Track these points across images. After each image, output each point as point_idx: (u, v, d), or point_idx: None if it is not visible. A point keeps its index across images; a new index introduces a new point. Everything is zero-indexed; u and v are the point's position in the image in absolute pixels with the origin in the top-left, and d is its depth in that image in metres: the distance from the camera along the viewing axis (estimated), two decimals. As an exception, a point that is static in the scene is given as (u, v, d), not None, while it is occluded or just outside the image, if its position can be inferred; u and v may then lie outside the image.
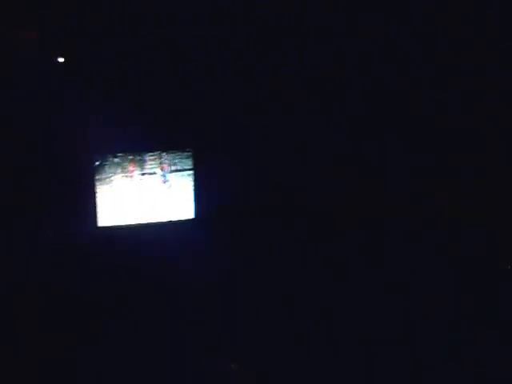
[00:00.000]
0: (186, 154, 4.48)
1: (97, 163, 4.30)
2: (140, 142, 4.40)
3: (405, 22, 4.07)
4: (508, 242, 4.03)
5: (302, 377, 3.71)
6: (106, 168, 4.34)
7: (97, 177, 4.34)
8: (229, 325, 4.15)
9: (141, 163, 4.41)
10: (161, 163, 4.44)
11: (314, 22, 4.16)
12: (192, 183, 4.54)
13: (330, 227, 4.55)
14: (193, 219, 4.57)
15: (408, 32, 4.07)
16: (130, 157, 4.37)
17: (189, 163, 4.50)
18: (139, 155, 4.39)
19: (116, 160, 4.34)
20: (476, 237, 4.08)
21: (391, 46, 4.15)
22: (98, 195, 4.37)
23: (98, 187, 4.35)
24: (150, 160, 4.42)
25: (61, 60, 4.07)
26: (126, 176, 4.38)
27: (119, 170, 4.37)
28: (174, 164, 4.48)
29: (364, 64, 4.22)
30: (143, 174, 4.42)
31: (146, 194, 4.47)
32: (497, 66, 3.99)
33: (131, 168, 4.38)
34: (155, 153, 4.42)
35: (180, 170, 4.50)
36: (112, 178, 4.36)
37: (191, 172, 4.52)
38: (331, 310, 4.05)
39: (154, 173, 4.45)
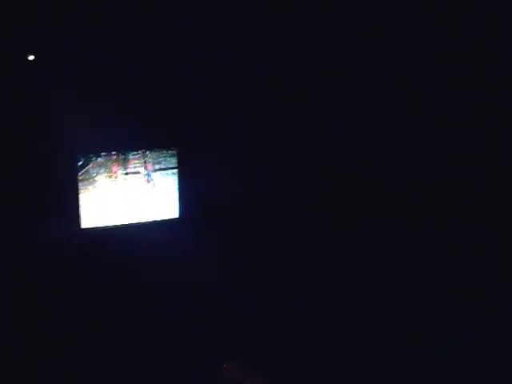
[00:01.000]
0: (170, 152, 4.37)
1: (80, 163, 4.14)
2: (123, 140, 4.27)
3: (405, 22, 4.05)
4: (508, 241, 4.03)
5: (302, 377, 3.70)
6: (89, 168, 4.20)
7: (80, 177, 4.18)
8: (216, 324, 4.14)
9: (124, 162, 4.28)
10: (145, 162, 4.32)
11: (313, 22, 4.11)
12: (176, 182, 4.44)
13: (320, 225, 4.53)
14: (177, 218, 4.47)
15: (408, 32, 4.05)
16: (114, 156, 4.23)
17: (173, 162, 4.40)
18: (123, 154, 4.27)
19: (99, 159, 4.20)
20: (476, 237, 4.07)
21: (391, 46, 4.12)
22: (81, 195, 4.21)
23: (81, 187, 4.20)
24: (134, 159, 4.30)
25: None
26: (110, 176, 4.25)
27: (102, 170, 4.23)
28: (159, 163, 4.37)
29: (364, 64, 4.19)
30: (127, 174, 4.30)
31: (130, 193, 4.35)
32: (497, 65, 3.95)
33: (115, 168, 4.25)
34: (139, 152, 4.29)
35: (164, 169, 4.39)
36: (95, 178, 4.22)
37: (176, 171, 4.42)
38: (329, 309, 4.03)
39: (138, 172, 4.33)
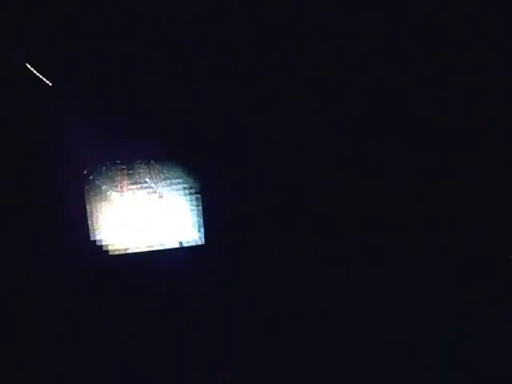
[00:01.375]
0: (178, 164, 4.30)
1: (85, 173, 4.12)
2: (131, 151, 4.20)
3: (405, 22, 4.03)
4: (508, 241, 4.02)
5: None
6: (96, 179, 4.18)
7: (86, 188, 4.15)
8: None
9: (133, 174, 4.25)
10: (154, 174, 4.28)
11: (313, 22, 4.10)
12: (185, 195, 4.34)
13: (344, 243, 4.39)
14: (187, 232, 4.33)
15: (408, 32, 4.03)
16: (121, 167, 4.20)
17: (181, 174, 4.33)
18: (130, 165, 4.22)
19: (106, 170, 4.18)
20: (476, 237, 4.05)
21: (391, 46, 4.10)
22: (88, 208, 4.16)
23: (87, 199, 4.15)
24: (141, 171, 4.26)
25: (50, 68, 3.91)
26: (117, 187, 4.21)
27: (109, 181, 4.20)
28: (166, 175, 4.32)
29: (364, 64, 4.15)
30: (134, 185, 4.26)
31: (137, 206, 4.27)
32: (497, 65, 3.96)
33: (121, 178, 4.22)
34: (147, 163, 4.26)
35: (172, 182, 4.33)
36: (102, 189, 4.19)
37: (185, 184, 4.35)
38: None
39: (145, 182, 4.28)
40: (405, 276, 4.17)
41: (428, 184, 4.17)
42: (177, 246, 4.27)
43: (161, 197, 4.26)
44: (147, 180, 4.21)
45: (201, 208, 4.30)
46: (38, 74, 3.90)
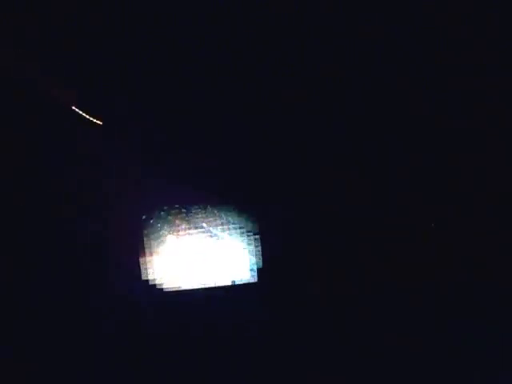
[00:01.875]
0: (235, 208, 4.31)
1: (144, 217, 4.22)
2: (188, 195, 4.26)
3: (405, 22, 3.96)
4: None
5: None
6: (154, 222, 4.26)
7: (143, 231, 4.23)
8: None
9: (189, 218, 4.30)
10: (210, 218, 4.31)
11: (313, 22, 4.05)
12: (242, 239, 4.34)
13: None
14: (242, 275, 4.34)
15: (408, 32, 3.97)
16: (178, 211, 4.27)
17: (239, 219, 4.33)
18: (187, 209, 4.29)
19: (164, 214, 4.26)
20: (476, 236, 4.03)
21: (391, 46, 4.04)
22: (145, 250, 4.24)
23: (145, 242, 4.23)
24: (199, 214, 4.31)
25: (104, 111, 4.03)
26: (174, 230, 4.28)
27: (167, 225, 4.28)
28: (224, 219, 4.33)
29: (364, 64, 4.11)
30: (191, 229, 4.30)
31: (194, 249, 4.31)
32: (497, 65, 3.89)
33: (178, 222, 4.28)
34: (204, 207, 4.30)
35: (229, 226, 4.34)
36: (160, 233, 4.27)
37: (241, 228, 4.34)
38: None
39: (203, 227, 4.32)
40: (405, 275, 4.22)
41: (428, 184, 4.15)
42: (229, 283, 4.30)
43: (216, 238, 4.30)
44: (204, 225, 4.26)
45: (254, 248, 4.31)
46: (88, 117, 4.02)
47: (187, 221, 4.24)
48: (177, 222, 4.23)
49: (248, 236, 4.33)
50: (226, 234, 4.31)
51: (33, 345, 4.02)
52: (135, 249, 4.16)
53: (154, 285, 4.20)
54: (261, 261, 4.27)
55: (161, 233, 4.22)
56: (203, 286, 4.25)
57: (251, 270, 4.31)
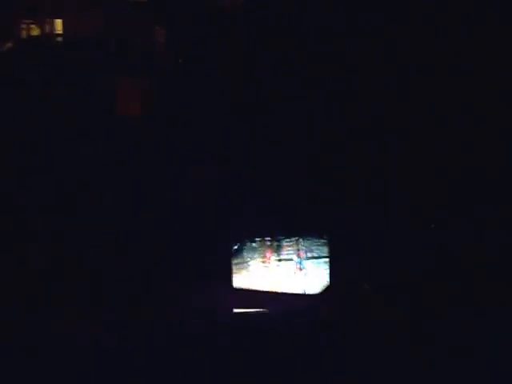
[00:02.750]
0: (322, 241, 4.53)
1: (235, 247, 4.44)
2: (278, 228, 4.49)
3: (405, 22, 4.15)
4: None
5: None
6: (244, 253, 4.47)
7: (234, 261, 4.45)
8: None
9: (278, 249, 4.50)
10: (298, 250, 4.51)
11: (313, 22, 4.25)
12: (327, 271, 4.56)
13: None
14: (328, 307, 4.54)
15: (408, 32, 4.15)
16: (268, 242, 4.48)
17: (325, 251, 4.54)
18: (277, 241, 4.49)
19: (254, 245, 4.46)
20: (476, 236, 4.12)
21: (391, 46, 4.21)
22: (234, 279, 4.47)
23: (234, 271, 4.46)
24: (287, 246, 4.51)
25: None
26: (263, 261, 4.48)
27: (256, 255, 4.48)
28: (311, 251, 4.54)
29: (364, 64, 4.27)
30: (280, 260, 4.51)
31: (281, 280, 4.53)
32: (497, 66, 4.05)
33: (268, 253, 4.49)
34: (293, 239, 4.49)
35: (316, 258, 4.55)
36: (249, 263, 4.48)
37: (327, 259, 4.55)
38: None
39: (291, 259, 4.52)
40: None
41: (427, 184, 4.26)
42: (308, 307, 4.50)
43: (300, 268, 4.54)
44: (293, 258, 4.50)
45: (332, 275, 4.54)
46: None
47: (277, 252, 4.45)
48: (267, 253, 4.45)
49: (329, 264, 4.52)
50: (309, 264, 4.51)
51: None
52: (225, 276, 4.37)
53: (238, 312, 4.42)
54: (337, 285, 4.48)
55: (249, 263, 4.44)
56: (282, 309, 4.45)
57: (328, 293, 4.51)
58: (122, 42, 4.73)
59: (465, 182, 4.35)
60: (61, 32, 4.71)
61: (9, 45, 4.50)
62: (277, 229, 4.52)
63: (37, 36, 4.73)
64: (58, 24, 4.69)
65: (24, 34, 4.66)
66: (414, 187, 4.42)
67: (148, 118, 4.69)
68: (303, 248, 4.56)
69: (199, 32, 4.50)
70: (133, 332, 4.29)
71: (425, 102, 4.39)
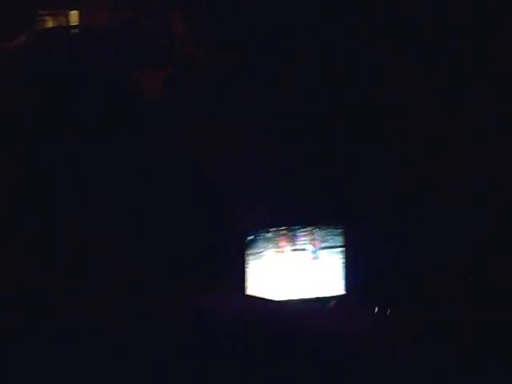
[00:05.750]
0: (337, 230, 4.56)
1: (249, 238, 4.42)
2: (293, 217, 4.49)
3: (405, 22, 4.16)
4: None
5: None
6: (258, 243, 4.45)
7: (248, 251, 4.42)
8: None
9: (293, 239, 4.50)
10: (312, 239, 4.53)
11: (313, 22, 4.25)
12: (342, 260, 4.58)
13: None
14: (341, 297, 4.56)
15: (408, 32, 4.17)
16: (283, 232, 4.48)
17: (340, 240, 4.57)
18: (292, 231, 4.49)
19: (268, 235, 4.45)
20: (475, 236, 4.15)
21: (391, 47, 4.24)
22: (247, 270, 4.45)
23: (248, 261, 4.44)
24: (302, 236, 4.52)
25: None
26: (278, 251, 4.48)
27: (271, 245, 4.47)
28: (326, 241, 4.56)
29: (364, 64, 4.29)
30: (294, 250, 4.51)
31: (295, 269, 4.53)
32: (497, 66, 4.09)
33: (283, 243, 4.49)
34: (307, 228, 4.51)
35: (331, 247, 4.57)
36: (263, 253, 4.46)
37: (342, 249, 4.57)
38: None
39: (305, 249, 4.53)
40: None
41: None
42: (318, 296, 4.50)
43: (315, 258, 4.55)
44: (306, 247, 4.51)
45: (344, 264, 4.54)
46: None
47: (291, 242, 4.45)
48: (282, 243, 4.45)
49: (343, 254, 4.55)
50: (325, 254, 4.52)
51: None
52: (238, 267, 4.33)
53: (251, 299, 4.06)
54: (344, 273, 4.48)
55: (264, 253, 4.41)
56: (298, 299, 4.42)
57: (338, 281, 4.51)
58: (141, 31, 4.52)
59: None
60: (77, 23, 4.61)
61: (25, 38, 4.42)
62: (292, 218, 4.52)
63: (52, 28, 4.57)
64: (74, 16, 4.61)
65: (43, 25, 4.51)
66: (434, 176, 4.47)
67: (169, 107, 4.54)
68: (318, 238, 4.58)
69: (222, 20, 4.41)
70: (135, 328, 4.01)
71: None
